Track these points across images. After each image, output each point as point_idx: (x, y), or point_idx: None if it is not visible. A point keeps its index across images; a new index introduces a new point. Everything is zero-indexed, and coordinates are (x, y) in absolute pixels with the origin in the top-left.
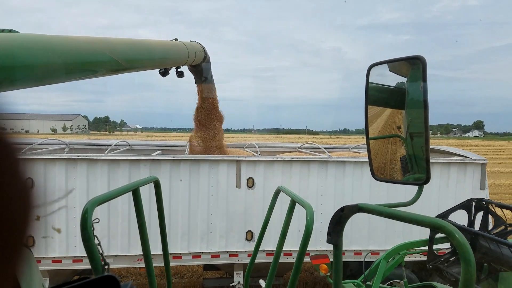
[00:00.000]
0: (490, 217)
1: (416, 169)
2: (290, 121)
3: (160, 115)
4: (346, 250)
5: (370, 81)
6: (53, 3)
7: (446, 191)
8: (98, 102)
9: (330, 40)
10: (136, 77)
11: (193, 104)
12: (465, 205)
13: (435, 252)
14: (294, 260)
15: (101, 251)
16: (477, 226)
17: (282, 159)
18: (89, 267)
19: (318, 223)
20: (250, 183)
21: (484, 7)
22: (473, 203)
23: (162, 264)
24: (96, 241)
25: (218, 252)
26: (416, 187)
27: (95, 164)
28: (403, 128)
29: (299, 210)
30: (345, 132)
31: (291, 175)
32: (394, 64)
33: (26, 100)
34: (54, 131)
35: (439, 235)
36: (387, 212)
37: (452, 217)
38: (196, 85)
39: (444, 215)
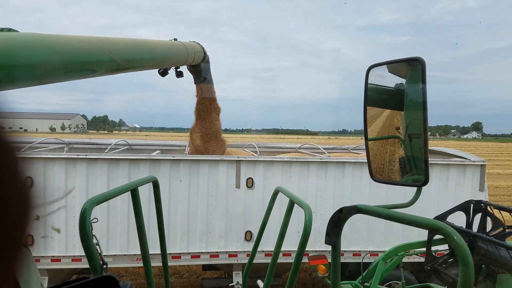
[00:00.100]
0: (488, 219)
1: (414, 171)
2: (289, 121)
3: (159, 115)
4: (345, 251)
5: (369, 82)
6: (53, 2)
7: (445, 192)
8: (97, 101)
9: (329, 41)
10: (135, 77)
11: (192, 104)
12: (463, 207)
13: (433, 253)
14: (293, 260)
15: (99, 251)
16: (475, 228)
17: (281, 159)
18: (88, 266)
19: (317, 224)
20: (250, 183)
21: (483, 8)
22: (472, 205)
23: (161, 264)
24: (94, 241)
25: (217, 252)
26: (414, 189)
27: (94, 163)
28: (402, 129)
29: (298, 211)
30: (344, 132)
31: (290, 176)
32: (393, 66)
33: (24, 99)
34: (52, 130)
35: (437, 236)
36: (386, 213)
37: (451, 218)
38: (195, 85)
39: (443, 217)
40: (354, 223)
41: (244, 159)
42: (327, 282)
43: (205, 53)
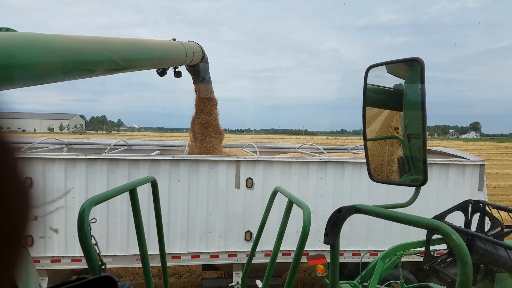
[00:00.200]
0: (486, 218)
1: (413, 171)
2: (287, 121)
3: (158, 115)
4: (344, 250)
5: (368, 82)
6: (52, 2)
7: (444, 192)
8: (95, 101)
9: (328, 41)
10: (134, 77)
11: (191, 104)
12: (461, 207)
13: (432, 253)
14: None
15: (98, 251)
16: (473, 228)
17: (281, 159)
18: (88, 266)
19: (317, 224)
20: (249, 183)
21: (482, 8)
22: (470, 205)
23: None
24: (93, 241)
25: (217, 252)
26: (413, 189)
27: (94, 163)
28: (400, 130)
29: (298, 211)
30: (343, 133)
31: (290, 176)
32: (392, 66)
33: (23, 99)
34: (51, 130)
35: (436, 236)
36: (384, 213)
37: (449, 218)
38: (194, 85)
39: (441, 217)
40: (353, 222)
41: (243, 159)
42: (326, 282)
43: (203, 53)
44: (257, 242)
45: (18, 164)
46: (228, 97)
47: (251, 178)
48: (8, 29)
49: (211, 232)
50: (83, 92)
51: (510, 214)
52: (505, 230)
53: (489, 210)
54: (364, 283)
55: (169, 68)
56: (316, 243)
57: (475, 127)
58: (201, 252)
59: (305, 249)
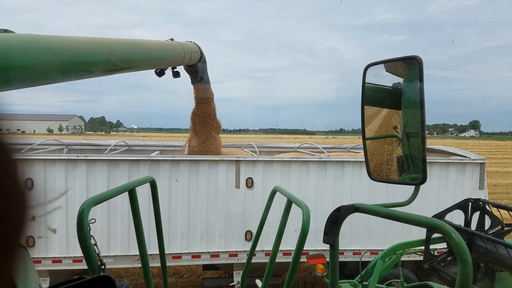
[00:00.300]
0: (486, 217)
1: (412, 169)
2: (286, 121)
3: (156, 116)
4: (345, 250)
5: (366, 81)
6: (50, 2)
7: (445, 191)
8: (93, 102)
9: (326, 40)
10: (132, 78)
11: (189, 104)
12: (461, 205)
13: (432, 252)
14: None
15: (97, 251)
16: (473, 226)
17: (281, 159)
18: None
19: (317, 223)
20: (249, 183)
21: (480, 7)
22: (470, 203)
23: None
24: (92, 241)
25: (218, 252)
26: (413, 187)
27: (94, 164)
28: (399, 128)
29: (299, 210)
30: (341, 132)
31: (290, 175)
32: (391, 64)
33: (21, 100)
34: (50, 131)
35: (435, 235)
36: (384, 212)
37: (449, 217)
38: (192, 85)
39: (441, 215)
40: (354, 222)
41: (243, 159)
42: (326, 281)
43: (201, 53)
44: (256, 241)
45: (16, 166)
46: (226, 97)
47: (251, 178)
48: (6, 31)
49: (212, 232)
50: (82, 93)
51: (510, 212)
52: (505, 228)
53: (489, 209)
54: (364, 282)
55: (168, 69)
56: (317, 243)
57: (475, 125)
58: (202, 252)
59: (306, 248)
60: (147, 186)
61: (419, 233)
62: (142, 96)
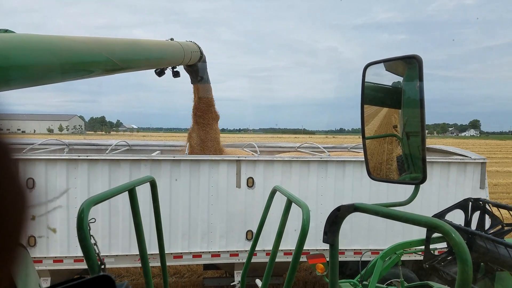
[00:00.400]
0: (487, 216)
1: (412, 169)
2: (286, 120)
3: (156, 115)
4: (346, 249)
5: (366, 80)
6: (50, 2)
7: (446, 190)
8: (93, 102)
9: (326, 40)
10: (132, 77)
11: (189, 104)
12: (461, 205)
13: (432, 251)
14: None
15: (97, 251)
16: (474, 226)
17: (282, 158)
18: None
19: (318, 223)
20: (250, 183)
21: (480, 6)
22: (470, 203)
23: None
24: (92, 241)
25: (219, 251)
26: (413, 187)
27: (95, 164)
28: (399, 128)
29: (299, 210)
30: (341, 131)
31: (291, 175)
32: (390, 64)
33: (21, 100)
34: (50, 131)
35: (435, 234)
36: (383, 211)
37: (449, 216)
38: (192, 85)
39: (441, 215)
40: (355, 221)
41: (244, 158)
42: (326, 281)
43: (201, 52)
44: (256, 241)
45: (16, 165)
46: (226, 97)
47: (251, 178)
48: (6, 31)
49: (213, 232)
50: (82, 93)
51: (511, 212)
52: (505, 228)
53: (489, 208)
54: (364, 282)
55: (168, 68)
56: (317, 242)
57: (475, 124)
58: (203, 252)
59: (306, 248)
60: (148, 186)
61: (420, 232)
62: (142, 96)
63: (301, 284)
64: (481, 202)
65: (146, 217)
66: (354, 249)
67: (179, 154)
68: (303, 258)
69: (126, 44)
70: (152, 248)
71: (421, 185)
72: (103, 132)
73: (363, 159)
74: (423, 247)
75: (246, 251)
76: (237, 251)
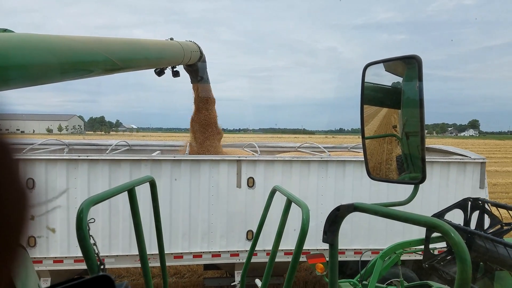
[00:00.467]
0: (486, 216)
1: (411, 168)
2: (285, 120)
3: (156, 115)
4: (346, 249)
5: (365, 80)
6: (49, 2)
7: (446, 190)
8: (93, 102)
9: (325, 40)
10: (131, 77)
11: (189, 104)
12: (461, 204)
13: (432, 251)
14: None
15: (96, 251)
16: (473, 226)
17: (282, 158)
18: None
19: (318, 223)
20: (251, 182)
21: (479, 6)
22: (469, 202)
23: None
24: (92, 241)
25: (219, 251)
26: (412, 187)
27: (96, 164)
28: (399, 128)
29: (300, 210)
30: (341, 131)
31: (291, 175)
32: (390, 64)
33: (20, 100)
34: (49, 131)
35: (435, 234)
36: (383, 211)
37: (449, 216)
38: (191, 85)
39: (440, 214)
40: (355, 221)
41: (244, 158)
42: (326, 281)
43: (201, 52)
44: (256, 241)
45: (16, 165)
46: (226, 97)
47: (252, 178)
48: (5, 30)
49: (213, 232)
50: (81, 92)
51: (510, 212)
52: (505, 227)
53: (488, 208)
54: (364, 282)
55: (167, 68)
56: (318, 242)
57: (474, 124)
58: (203, 252)
59: (307, 248)
60: (149, 186)
61: (420, 232)
62: (141, 95)
63: (302, 284)
64: (480, 202)
65: (147, 217)
66: (355, 249)
67: (180, 154)
68: (303, 258)
69: (126, 43)
70: (152, 248)
71: (421, 185)
72: (103, 132)
73: (363, 159)
74: (422, 246)
75: (246, 251)
76: (237, 251)
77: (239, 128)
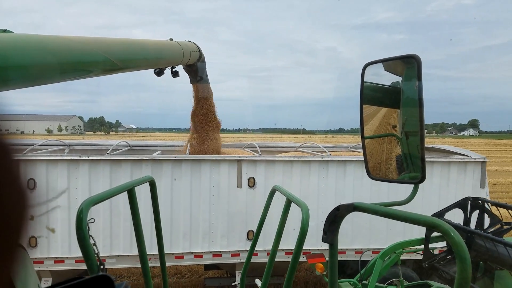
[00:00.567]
0: (486, 215)
1: (411, 168)
2: (285, 120)
3: (155, 116)
4: (347, 249)
5: (365, 80)
6: (49, 2)
7: (446, 190)
8: (92, 102)
9: (325, 40)
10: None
11: (188, 104)
12: (461, 204)
13: (432, 250)
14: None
15: (96, 251)
16: (473, 225)
17: (282, 158)
18: None
19: (319, 223)
20: (251, 182)
21: (479, 6)
22: (469, 202)
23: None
24: (91, 241)
25: (220, 251)
26: (412, 186)
27: (97, 164)
28: (398, 127)
29: (300, 210)
30: (340, 131)
31: (292, 175)
32: (389, 63)
33: (20, 100)
34: (49, 131)
35: (435, 234)
36: (383, 211)
37: (449, 216)
38: (191, 85)
39: (440, 214)
40: (355, 221)
41: (245, 158)
42: (326, 280)
43: (200, 52)
44: (256, 241)
45: (15, 166)
46: (226, 97)
47: (253, 178)
48: (4, 31)
49: (214, 232)
50: (80, 93)
51: (510, 211)
52: (504, 227)
53: (488, 207)
54: (364, 281)
55: (167, 68)
56: (318, 242)
57: (474, 124)
58: (204, 252)
59: (308, 248)
60: (147, 186)
61: (421, 232)
62: (141, 96)
63: (302, 284)
64: (480, 201)
65: (148, 218)
66: (355, 249)
67: (180, 154)
68: (303, 258)
69: (125, 44)
70: (153, 248)
71: (421, 185)
72: (102, 133)
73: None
74: (422, 246)
75: (247, 251)
76: (238, 251)
77: (239, 128)
